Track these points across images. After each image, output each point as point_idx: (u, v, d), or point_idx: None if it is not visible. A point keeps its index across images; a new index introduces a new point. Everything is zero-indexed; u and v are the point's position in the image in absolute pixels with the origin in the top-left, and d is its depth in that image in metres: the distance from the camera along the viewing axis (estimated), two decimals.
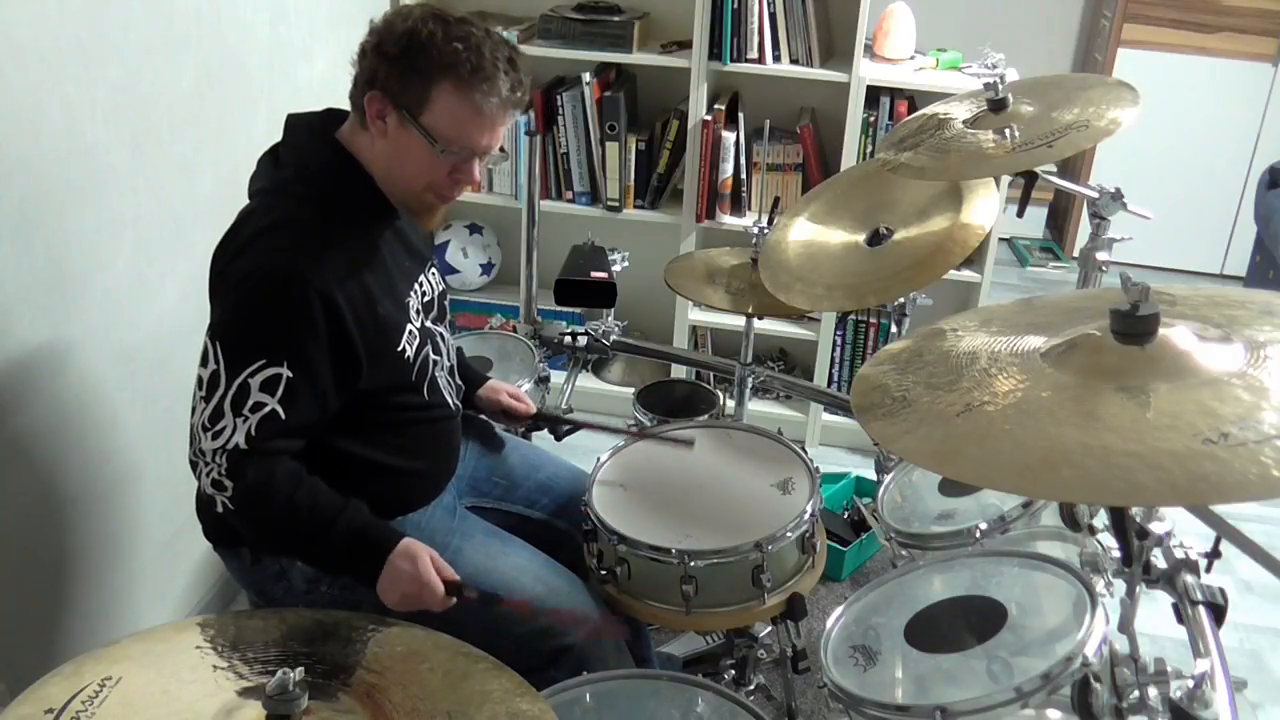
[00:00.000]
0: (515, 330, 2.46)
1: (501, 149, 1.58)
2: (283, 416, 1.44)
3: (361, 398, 1.55)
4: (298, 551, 1.55)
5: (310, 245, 1.46)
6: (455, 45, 1.44)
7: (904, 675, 1.36)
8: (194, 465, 1.49)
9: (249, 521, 1.50)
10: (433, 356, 1.65)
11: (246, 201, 1.57)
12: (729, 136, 2.99)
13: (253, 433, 1.43)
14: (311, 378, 1.46)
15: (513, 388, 1.96)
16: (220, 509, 1.47)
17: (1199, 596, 1.18)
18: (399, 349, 1.57)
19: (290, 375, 1.44)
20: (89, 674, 1.08)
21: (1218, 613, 1.17)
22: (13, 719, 1.02)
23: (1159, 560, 1.23)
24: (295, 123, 1.58)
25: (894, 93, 2.96)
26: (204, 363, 1.46)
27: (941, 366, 1.19)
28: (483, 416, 1.94)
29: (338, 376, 1.50)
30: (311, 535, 1.48)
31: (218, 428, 1.44)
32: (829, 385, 3.21)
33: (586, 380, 3.29)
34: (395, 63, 1.46)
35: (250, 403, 1.43)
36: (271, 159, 1.58)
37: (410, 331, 1.59)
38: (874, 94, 2.93)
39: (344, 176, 1.53)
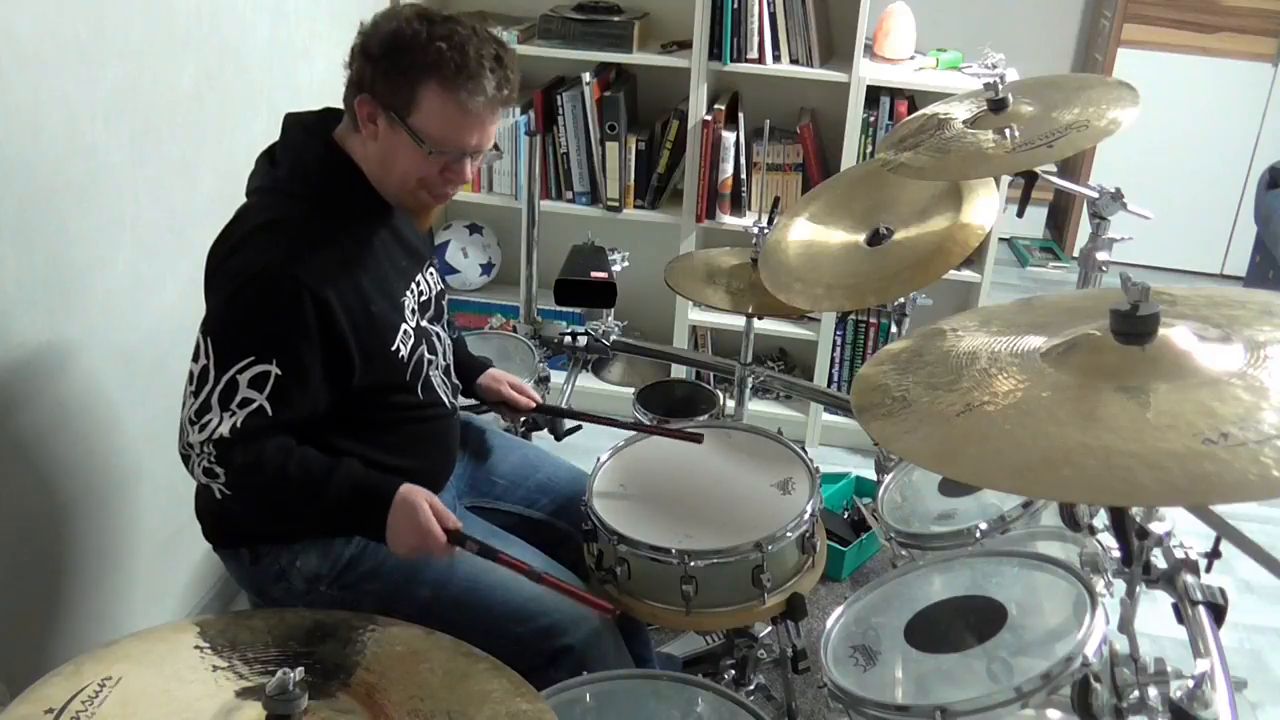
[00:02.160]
0: (515, 330, 2.46)
1: (496, 146, 1.57)
2: (269, 413, 1.45)
3: (356, 396, 1.55)
4: (299, 518, 1.55)
5: (303, 244, 1.47)
6: (439, 45, 1.44)
7: (904, 675, 1.36)
8: (185, 458, 1.50)
9: (247, 500, 1.50)
10: (428, 356, 1.65)
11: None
12: (729, 136, 2.99)
13: (239, 426, 1.44)
14: (301, 376, 1.47)
15: (515, 379, 1.95)
16: (219, 495, 1.48)
17: (1199, 596, 1.18)
18: (393, 348, 1.57)
19: (279, 373, 1.44)
20: (89, 674, 1.08)
21: (1218, 613, 1.17)
22: (13, 719, 1.02)
23: (1159, 560, 1.23)
24: (292, 123, 1.58)
25: (894, 93, 2.96)
26: (195, 358, 1.46)
27: (941, 366, 1.19)
28: (482, 412, 1.93)
29: (329, 375, 1.50)
30: (308, 499, 1.48)
31: (204, 421, 1.44)
32: (829, 385, 3.21)
33: (586, 380, 3.29)
34: (380, 65, 1.46)
35: (238, 398, 1.44)
36: (268, 158, 1.58)
37: (405, 331, 1.59)
38: (874, 94, 2.93)
39: (338, 175, 1.54)
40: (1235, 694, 1.09)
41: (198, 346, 1.46)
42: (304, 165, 1.54)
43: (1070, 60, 4.47)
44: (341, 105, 1.55)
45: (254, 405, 1.44)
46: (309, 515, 1.53)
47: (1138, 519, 1.21)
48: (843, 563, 2.58)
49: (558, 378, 2.37)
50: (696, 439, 1.84)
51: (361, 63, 1.48)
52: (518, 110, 3.10)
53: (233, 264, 1.47)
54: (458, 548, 1.49)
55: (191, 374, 1.46)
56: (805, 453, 1.84)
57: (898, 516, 1.83)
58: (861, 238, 2.05)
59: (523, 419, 2.02)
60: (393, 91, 1.46)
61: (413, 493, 1.49)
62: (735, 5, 2.85)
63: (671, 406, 2.43)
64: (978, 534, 1.66)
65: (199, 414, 1.44)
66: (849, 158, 2.94)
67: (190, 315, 1.51)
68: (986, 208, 1.94)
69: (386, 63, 1.46)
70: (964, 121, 1.91)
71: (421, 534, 1.47)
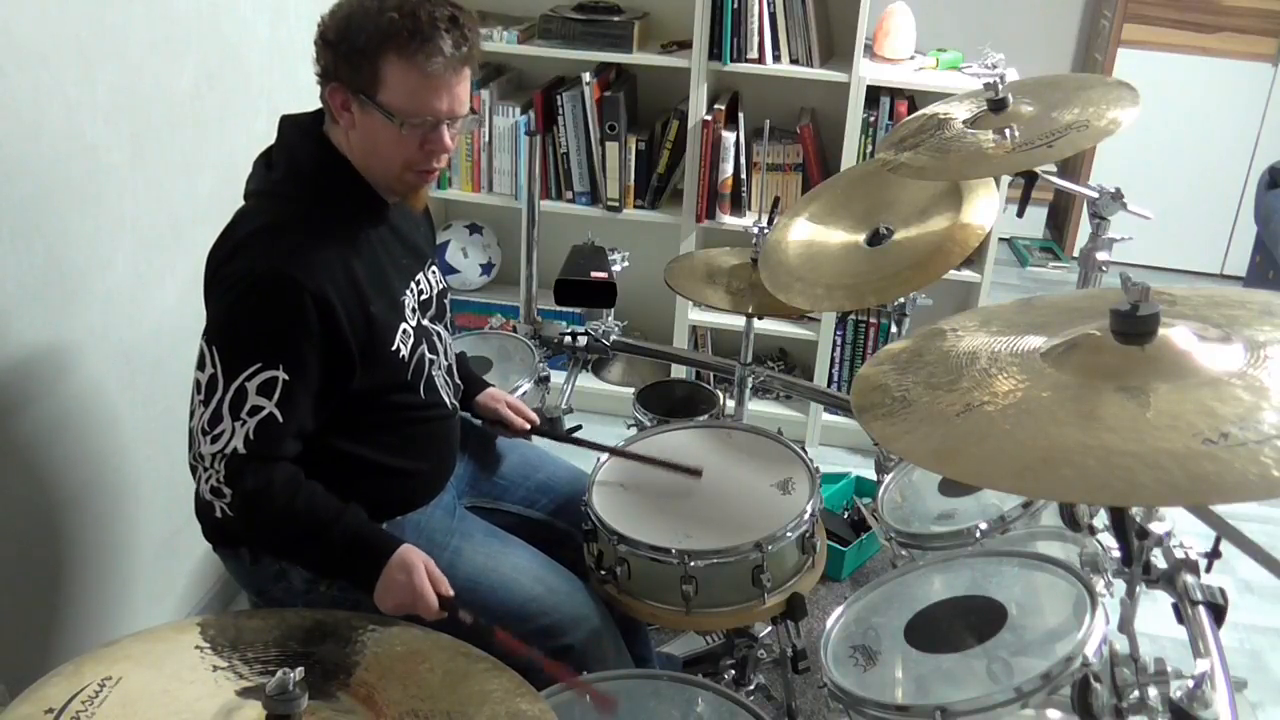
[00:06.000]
0: (515, 330, 2.46)
1: (473, 110, 1.56)
2: (280, 419, 1.45)
3: (358, 398, 1.55)
4: (295, 555, 1.55)
5: (302, 246, 1.46)
6: (390, 15, 1.43)
7: (904, 675, 1.36)
8: (193, 469, 1.50)
9: (248, 527, 1.51)
10: (429, 356, 1.65)
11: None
12: (729, 136, 2.99)
13: (251, 437, 1.44)
14: (307, 379, 1.47)
15: (513, 399, 1.94)
16: (219, 514, 1.48)
17: (1199, 596, 1.18)
18: (393, 348, 1.56)
19: (286, 378, 1.44)
20: (89, 674, 1.08)
21: (1218, 613, 1.17)
22: (13, 719, 1.02)
23: (1159, 560, 1.23)
24: (288, 125, 1.58)
25: (894, 93, 2.96)
26: (200, 367, 1.46)
27: (941, 366, 1.19)
28: (478, 423, 1.93)
29: (332, 377, 1.50)
30: (309, 540, 1.49)
31: (216, 431, 1.44)
32: (829, 385, 3.21)
33: (586, 380, 3.29)
34: (340, 49, 1.46)
35: (248, 406, 1.43)
36: (264, 161, 1.58)
37: (405, 330, 1.59)
38: (874, 94, 2.93)
39: (334, 174, 1.53)
40: (1235, 694, 1.09)
41: (202, 355, 1.46)
42: (299, 166, 1.54)
43: (1070, 60, 4.47)
44: None
45: (264, 413, 1.44)
46: (305, 553, 1.53)
47: (1138, 519, 1.21)
48: (843, 563, 2.58)
49: (558, 378, 2.37)
50: (695, 474, 1.82)
51: (323, 51, 1.48)
52: (517, 110, 3.10)
53: (231, 270, 1.47)
54: (447, 614, 1.47)
55: (199, 383, 1.46)
56: (805, 453, 1.84)
57: (898, 516, 1.83)
58: (861, 238, 2.05)
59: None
60: (356, 72, 1.46)
61: (410, 554, 1.49)
62: (735, 5, 2.85)
63: (671, 406, 2.43)
64: (978, 534, 1.66)
65: (211, 424, 1.44)
66: (849, 158, 2.94)
67: (191, 315, 1.51)
68: (986, 208, 1.94)
69: (345, 45, 1.45)
70: (964, 121, 1.91)
71: (414, 596, 1.46)
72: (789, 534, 1.65)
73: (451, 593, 1.49)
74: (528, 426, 1.91)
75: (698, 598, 1.62)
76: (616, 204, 3.12)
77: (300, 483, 1.49)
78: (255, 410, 1.43)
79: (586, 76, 3.01)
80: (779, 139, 3.04)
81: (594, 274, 2.15)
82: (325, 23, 1.48)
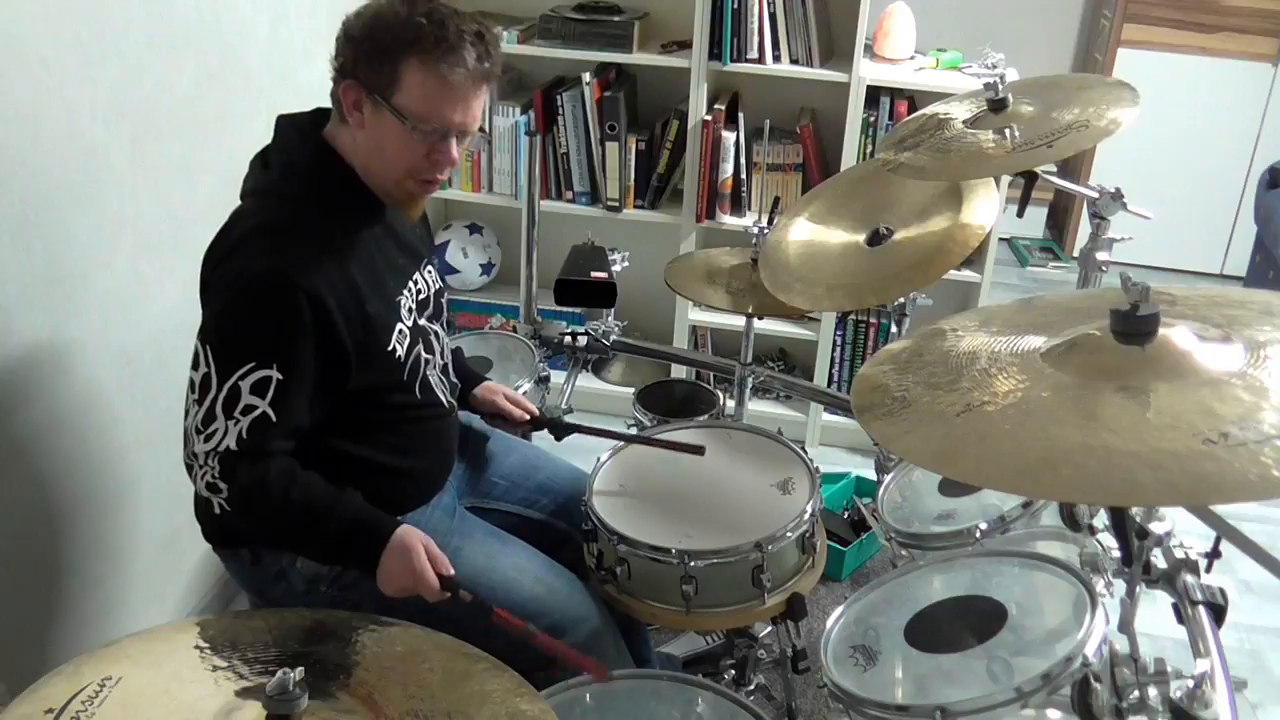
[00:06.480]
0: (515, 330, 2.46)
1: (481, 129, 1.57)
2: (273, 419, 1.45)
3: (354, 397, 1.55)
4: (296, 545, 1.56)
5: (297, 245, 1.46)
6: (419, 20, 1.44)
7: (904, 675, 1.36)
8: (189, 468, 1.50)
9: (247, 520, 1.51)
10: (424, 355, 1.65)
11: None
12: (729, 136, 2.99)
13: (244, 435, 1.44)
14: (301, 379, 1.47)
15: (511, 391, 1.95)
16: (218, 510, 1.48)
17: (1199, 596, 1.18)
18: (389, 348, 1.56)
19: (280, 377, 1.44)
20: (89, 674, 1.08)
21: (1218, 613, 1.17)
22: (13, 719, 1.02)
23: (1159, 560, 1.23)
24: (285, 124, 1.58)
25: (894, 93, 2.96)
26: (195, 366, 1.46)
27: (941, 366, 1.19)
28: (478, 420, 1.93)
29: (327, 376, 1.50)
30: (308, 528, 1.49)
31: (210, 430, 1.44)
32: (829, 385, 3.21)
33: (586, 380, 3.29)
34: (362, 46, 1.47)
35: (241, 405, 1.43)
36: (261, 161, 1.58)
37: (401, 330, 1.59)
38: (874, 94, 2.93)
39: (330, 174, 1.53)
40: (1235, 694, 1.09)
41: (197, 354, 1.46)
42: (296, 165, 1.54)
43: (1070, 60, 4.47)
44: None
45: (257, 412, 1.44)
46: (305, 542, 1.54)
47: (1138, 519, 1.21)
48: (843, 563, 2.58)
49: (558, 378, 2.37)
50: (698, 451, 1.83)
51: (344, 48, 1.49)
52: (517, 110, 3.10)
53: (227, 270, 1.47)
54: (449, 594, 1.48)
55: (193, 382, 1.46)
56: (805, 453, 1.84)
57: (898, 516, 1.83)
58: (861, 238, 2.05)
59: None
60: (375, 71, 1.46)
61: (410, 535, 1.49)
62: (735, 5, 2.85)
63: (671, 406, 2.43)
64: (978, 534, 1.66)
65: (205, 423, 1.44)
66: (849, 158, 2.94)
67: (190, 315, 1.51)
68: (986, 208, 1.94)
69: (368, 43, 1.46)
70: (964, 121, 1.91)
71: (414, 578, 1.47)
72: (789, 534, 1.65)
73: (452, 572, 1.49)
74: (526, 418, 1.91)
75: (698, 598, 1.62)
76: (616, 204, 3.12)
77: (296, 473, 1.49)
78: (248, 409, 1.44)
79: (586, 76, 3.01)
80: (779, 139, 3.04)
81: (594, 274, 2.15)
82: (351, 20, 1.49)
